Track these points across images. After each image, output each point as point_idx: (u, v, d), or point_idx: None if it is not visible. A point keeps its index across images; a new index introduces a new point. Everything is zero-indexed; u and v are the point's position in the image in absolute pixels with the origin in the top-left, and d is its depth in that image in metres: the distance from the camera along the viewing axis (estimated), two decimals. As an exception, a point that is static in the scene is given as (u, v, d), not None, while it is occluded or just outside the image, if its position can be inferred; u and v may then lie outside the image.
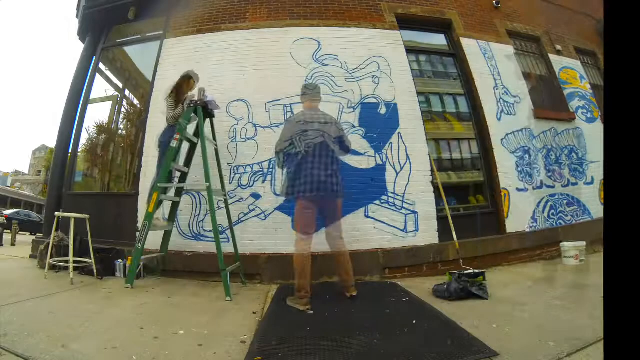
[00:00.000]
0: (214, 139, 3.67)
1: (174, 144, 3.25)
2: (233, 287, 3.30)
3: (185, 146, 3.66)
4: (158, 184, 3.20)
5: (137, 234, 3.22)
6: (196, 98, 3.39)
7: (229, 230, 3.67)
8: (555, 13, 6.00)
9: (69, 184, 4.88)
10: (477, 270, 3.01)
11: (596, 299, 2.34)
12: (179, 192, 3.69)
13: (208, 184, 3.12)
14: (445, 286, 2.75)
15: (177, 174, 3.76)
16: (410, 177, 3.87)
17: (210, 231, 3.58)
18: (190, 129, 3.52)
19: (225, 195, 3.57)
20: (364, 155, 3.85)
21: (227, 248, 3.62)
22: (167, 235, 3.65)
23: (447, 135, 4.58)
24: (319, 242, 3.57)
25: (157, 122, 4.01)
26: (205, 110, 3.45)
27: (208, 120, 3.62)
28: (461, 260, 3.55)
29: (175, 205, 3.70)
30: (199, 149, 3.54)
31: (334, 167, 2.74)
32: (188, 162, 3.72)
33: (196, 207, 3.76)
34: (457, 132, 4.62)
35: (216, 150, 3.64)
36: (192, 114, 3.38)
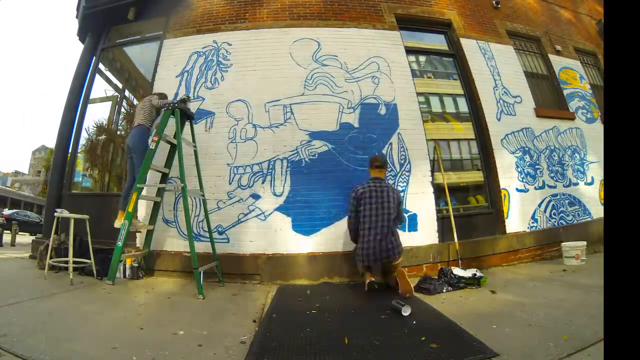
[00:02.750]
0: (193, 140, 3.71)
1: (152, 145, 3.33)
2: (233, 287, 3.32)
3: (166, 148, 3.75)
4: (137, 185, 3.30)
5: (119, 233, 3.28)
6: (175, 100, 3.49)
7: (228, 230, 3.69)
8: (555, 13, 6.02)
9: (68, 184, 4.88)
10: (474, 274, 3.04)
11: (597, 298, 2.34)
12: (160, 193, 3.74)
13: (183, 184, 3.20)
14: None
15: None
16: (410, 177, 3.87)
17: (210, 232, 3.58)
18: (171, 131, 3.56)
19: (202, 195, 3.62)
20: (363, 155, 3.84)
21: (227, 248, 3.63)
22: (149, 234, 3.70)
23: (447, 135, 4.58)
24: (319, 242, 3.60)
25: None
26: (184, 112, 3.51)
27: (188, 123, 3.71)
28: (459, 261, 3.56)
29: (156, 206, 3.74)
30: (189, 150, 3.64)
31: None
32: (169, 164, 3.77)
33: (196, 207, 3.76)
34: (457, 132, 4.63)
35: (195, 152, 3.67)
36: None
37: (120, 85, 5.68)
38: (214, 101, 4.05)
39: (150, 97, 3.75)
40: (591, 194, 4.86)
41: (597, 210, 4.77)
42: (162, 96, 3.81)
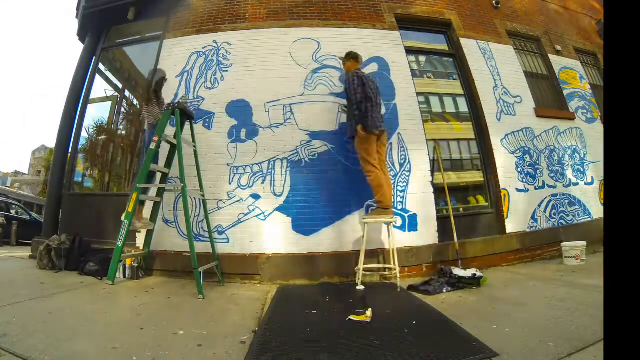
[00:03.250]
0: (193, 140, 3.71)
1: (152, 145, 3.34)
2: (233, 287, 3.32)
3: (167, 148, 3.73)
4: (137, 185, 3.31)
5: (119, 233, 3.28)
6: (176, 100, 3.48)
7: (228, 230, 3.69)
8: (555, 13, 6.02)
9: (68, 184, 4.88)
10: (473, 274, 3.05)
11: (597, 299, 2.34)
12: (160, 193, 3.74)
13: (183, 184, 3.20)
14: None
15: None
16: (410, 177, 3.87)
17: (210, 232, 3.58)
18: (171, 131, 3.56)
19: (202, 195, 3.62)
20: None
21: (227, 248, 3.64)
22: (149, 234, 3.70)
23: (447, 135, 4.58)
24: (319, 242, 3.60)
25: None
26: (184, 112, 3.52)
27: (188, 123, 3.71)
28: (460, 261, 3.56)
29: (156, 206, 3.74)
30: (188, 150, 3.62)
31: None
32: (169, 164, 3.77)
33: (196, 207, 3.75)
34: (457, 132, 4.63)
35: (195, 152, 3.68)
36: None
37: (120, 85, 5.69)
38: (214, 101, 4.05)
39: (159, 97, 3.78)
40: (591, 194, 4.86)
41: (597, 210, 4.77)
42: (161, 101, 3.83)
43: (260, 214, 3.68)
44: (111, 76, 5.62)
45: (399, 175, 3.86)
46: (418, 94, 4.24)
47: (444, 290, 2.91)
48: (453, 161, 4.56)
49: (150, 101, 3.70)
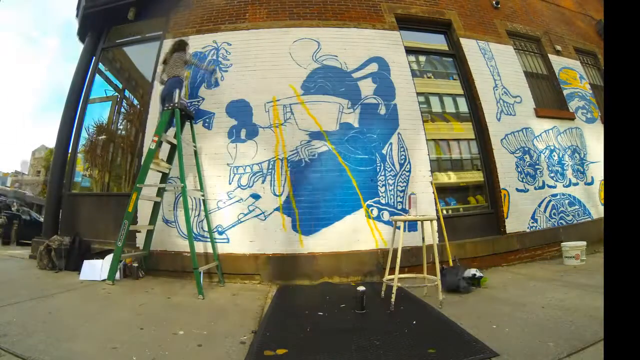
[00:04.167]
0: (193, 140, 3.71)
1: (152, 145, 3.35)
2: (233, 287, 3.32)
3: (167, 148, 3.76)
4: (137, 185, 3.31)
5: (119, 233, 3.29)
6: (175, 101, 3.49)
7: (228, 230, 3.69)
8: (555, 13, 6.02)
9: (68, 184, 4.88)
10: (474, 274, 3.04)
11: (596, 299, 2.34)
12: (160, 193, 3.75)
13: (183, 184, 3.22)
14: None
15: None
16: (410, 177, 3.87)
17: (210, 231, 3.58)
18: (171, 131, 3.57)
19: (202, 195, 3.63)
20: (363, 155, 3.85)
21: (227, 248, 3.63)
22: (149, 234, 3.70)
23: (447, 135, 4.58)
24: (319, 242, 3.60)
25: (156, 122, 4.01)
26: (184, 112, 3.52)
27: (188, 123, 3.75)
28: (459, 261, 3.55)
29: (156, 206, 3.74)
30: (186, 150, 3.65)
31: None
32: (169, 163, 3.78)
33: (196, 207, 3.75)
34: (457, 132, 4.63)
35: (195, 152, 3.68)
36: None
37: (120, 85, 5.68)
38: (214, 101, 4.05)
39: (180, 54, 3.82)
40: (591, 194, 4.86)
41: (597, 210, 4.77)
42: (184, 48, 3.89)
43: (260, 213, 3.68)
44: (111, 76, 5.62)
45: (398, 175, 3.86)
46: (418, 93, 4.24)
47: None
48: (453, 161, 4.56)
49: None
